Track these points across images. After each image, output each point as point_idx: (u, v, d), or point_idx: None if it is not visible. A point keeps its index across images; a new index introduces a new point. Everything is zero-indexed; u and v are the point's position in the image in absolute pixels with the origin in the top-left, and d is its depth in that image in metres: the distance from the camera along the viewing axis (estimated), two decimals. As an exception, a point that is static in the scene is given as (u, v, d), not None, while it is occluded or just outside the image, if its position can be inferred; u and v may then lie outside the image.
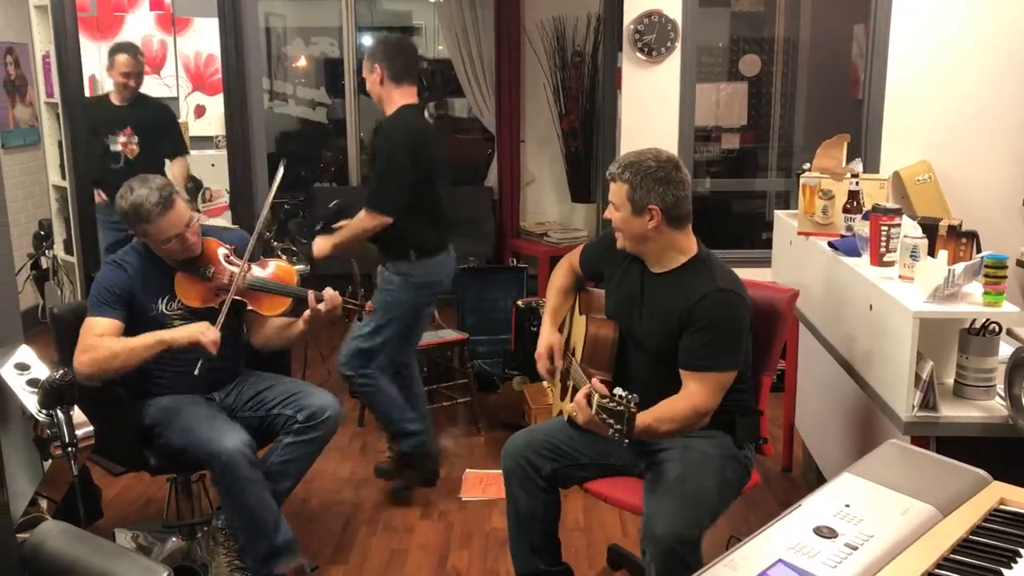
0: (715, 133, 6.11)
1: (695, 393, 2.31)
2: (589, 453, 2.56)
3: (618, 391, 2.12)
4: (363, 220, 3.31)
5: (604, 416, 2.12)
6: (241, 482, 2.62)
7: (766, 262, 3.90)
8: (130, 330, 2.76)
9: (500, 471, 3.67)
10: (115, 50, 4.34)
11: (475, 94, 6.56)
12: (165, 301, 2.81)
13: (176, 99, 5.43)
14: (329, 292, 2.75)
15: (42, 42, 3.72)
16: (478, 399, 4.30)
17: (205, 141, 4.93)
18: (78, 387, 2.66)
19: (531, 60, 6.40)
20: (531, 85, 6.48)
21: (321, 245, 3.37)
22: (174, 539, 3.12)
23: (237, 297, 2.76)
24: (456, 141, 7.42)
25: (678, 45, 4.68)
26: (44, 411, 2.21)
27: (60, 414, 2.18)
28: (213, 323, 2.71)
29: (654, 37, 4.66)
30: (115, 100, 4.39)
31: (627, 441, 2.10)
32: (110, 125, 4.38)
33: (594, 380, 2.23)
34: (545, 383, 4.01)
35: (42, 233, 4.01)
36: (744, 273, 2.51)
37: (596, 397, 2.15)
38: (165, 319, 2.81)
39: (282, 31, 8.15)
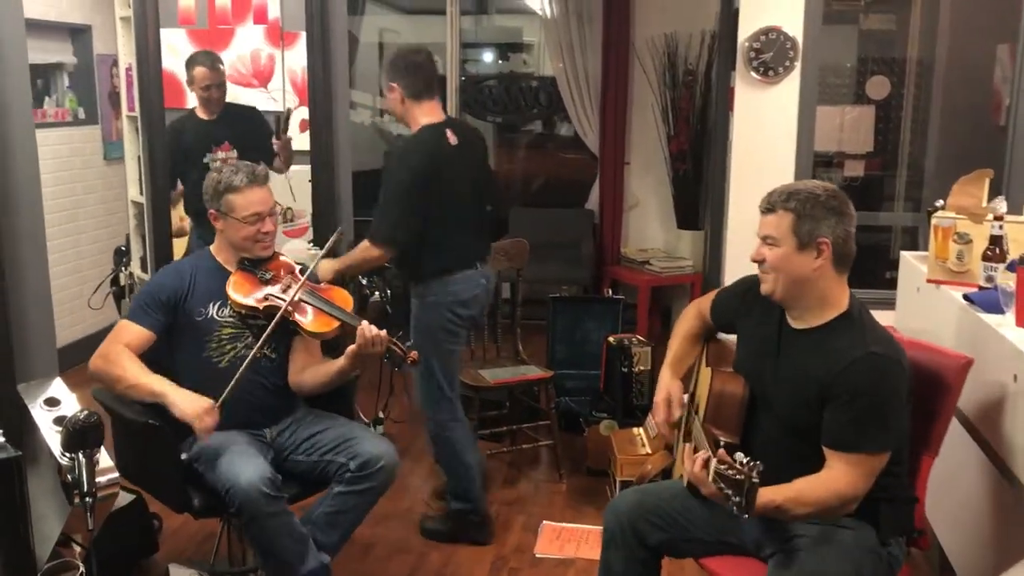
0: (837, 159, 5.66)
1: (840, 476, 1.98)
2: (707, 528, 2.25)
3: (739, 456, 1.84)
4: (365, 250, 3.13)
5: (722, 486, 1.84)
6: (260, 519, 2.43)
7: (890, 304, 3.48)
8: (173, 335, 2.66)
9: (580, 526, 3.44)
10: (190, 63, 4.16)
11: (579, 113, 6.28)
12: (217, 307, 2.69)
13: (282, 112, 5.37)
14: (379, 332, 2.54)
15: (126, 54, 3.64)
16: (562, 441, 3.99)
17: (305, 155, 4.81)
18: (124, 418, 2.55)
19: (639, 78, 6.09)
20: (638, 105, 6.17)
21: (324, 268, 3.13)
22: (227, 581, 2.95)
23: (288, 308, 2.60)
24: (558, 160, 7.16)
25: (798, 64, 4.31)
26: (66, 454, 2.03)
27: (82, 458, 1.99)
28: (259, 336, 2.59)
29: (771, 56, 4.30)
30: (203, 115, 4.22)
31: (746, 516, 1.83)
32: (204, 143, 4.21)
33: (717, 451, 1.93)
34: (637, 430, 3.73)
35: (123, 249, 3.93)
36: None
37: (714, 463, 1.87)
38: (214, 325, 2.67)
39: (395, 47, 8.06)
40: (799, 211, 2.03)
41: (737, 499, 1.82)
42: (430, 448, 3.40)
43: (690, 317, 2.50)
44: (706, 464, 1.91)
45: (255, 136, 4.27)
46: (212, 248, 2.78)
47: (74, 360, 5.08)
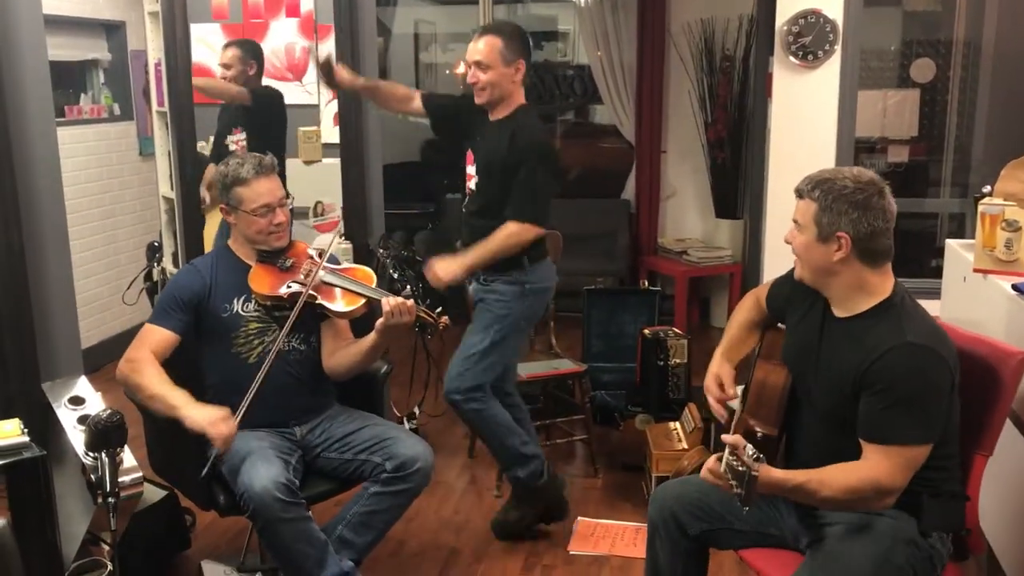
0: (880, 145, 5.52)
1: (876, 466, 1.93)
2: (747, 519, 2.20)
3: (749, 450, 1.81)
4: (513, 234, 2.95)
5: (728, 477, 1.82)
6: (273, 524, 2.39)
7: (935, 294, 3.37)
8: (199, 334, 2.65)
9: (615, 522, 3.38)
10: (225, 45, 4.23)
11: (615, 101, 6.19)
12: (241, 302, 2.66)
13: (316, 106, 5.35)
14: (405, 300, 2.50)
15: (155, 50, 3.63)
16: (597, 436, 3.93)
17: (335, 149, 4.79)
18: (153, 416, 2.53)
19: (675, 65, 5.98)
20: (675, 92, 6.05)
21: (449, 268, 2.97)
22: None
23: (311, 292, 2.57)
24: (593, 150, 7.06)
25: (838, 48, 4.18)
26: (90, 453, 2.01)
27: (105, 458, 1.97)
28: (282, 325, 2.57)
29: (811, 39, 4.18)
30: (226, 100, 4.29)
31: (746, 509, 1.83)
32: (226, 126, 4.27)
33: (726, 436, 1.89)
34: (674, 425, 3.65)
35: (156, 244, 3.93)
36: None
37: (726, 453, 1.84)
38: (240, 321, 2.65)
39: (431, 37, 8.02)
40: (822, 202, 1.98)
41: (739, 491, 1.81)
42: (468, 432, 3.34)
43: (747, 306, 2.44)
44: (720, 458, 1.89)
45: (262, 122, 4.25)
46: (230, 242, 2.75)
47: (114, 355, 5.11)
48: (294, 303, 2.57)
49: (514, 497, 3.31)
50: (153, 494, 3.03)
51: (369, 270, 2.72)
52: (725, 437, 1.88)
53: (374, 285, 2.63)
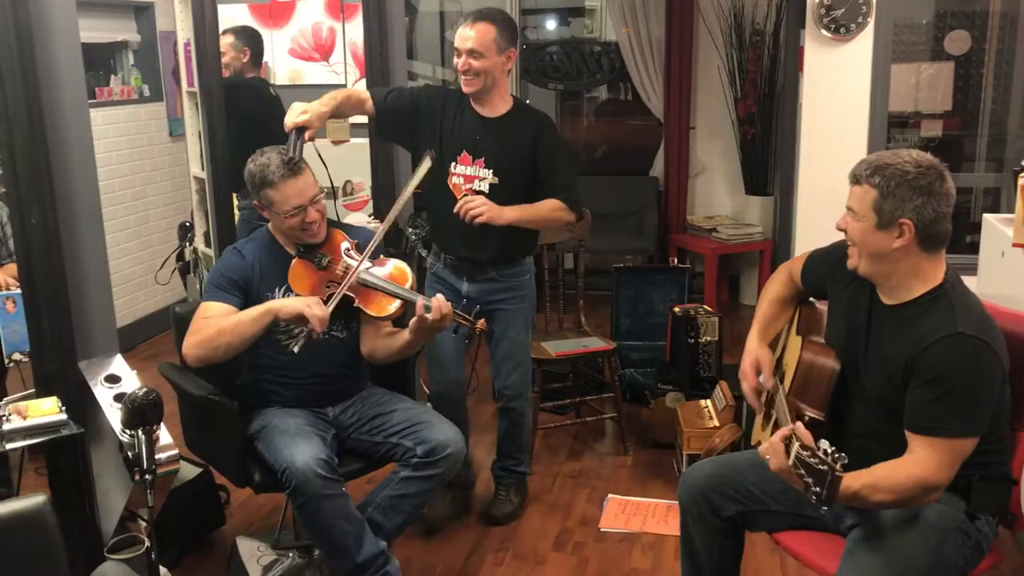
0: (913, 119, 5.43)
1: (921, 461, 1.88)
2: (784, 501, 2.17)
3: (824, 444, 1.75)
4: (560, 209, 2.98)
5: (802, 472, 1.74)
6: (314, 500, 2.40)
7: (971, 270, 3.32)
8: None
9: (646, 499, 3.38)
10: (222, 32, 4.07)
11: (643, 78, 6.13)
12: (283, 291, 2.65)
13: (344, 86, 5.36)
14: (439, 300, 2.48)
15: (184, 30, 3.63)
16: (627, 414, 3.92)
17: (363, 128, 4.79)
18: (188, 393, 2.56)
19: (704, 40, 5.91)
20: (704, 67, 5.99)
21: (508, 213, 2.88)
22: (293, 554, 2.96)
23: (348, 292, 2.55)
24: (622, 127, 7.01)
25: (871, 21, 4.12)
26: (126, 431, 2.03)
27: (141, 435, 1.99)
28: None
29: (843, 12, 4.11)
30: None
31: (825, 508, 1.74)
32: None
33: (798, 425, 1.84)
34: (704, 403, 3.63)
35: (187, 224, 3.94)
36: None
37: (796, 445, 1.77)
38: None
39: (457, 15, 7.97)
40: (883, 188, 1.91)
41: (817, 489, 1.72)
42: (507, 425, 3.32)
43: (780, 280, 2.37)
44: (787, 442, 1.82)
45: (242, 115, 3.99)
46: (270, 227, 2.74)
47: (147, 334, 5.19)
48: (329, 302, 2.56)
49: (512, 488, 3.35)
50: (188, 471, 3.07)
51: (404, 266, 2.67)
52: (795, 427, 1.82)
53: (408, 283, 2.60)
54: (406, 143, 3.17)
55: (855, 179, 1.98)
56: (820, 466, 1.71)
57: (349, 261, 2.64)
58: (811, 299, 2.34)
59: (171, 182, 5.49)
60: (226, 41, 4.23)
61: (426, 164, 2.78)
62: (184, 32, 3.62)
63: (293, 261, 2.65)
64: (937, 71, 5.41)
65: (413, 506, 2.60)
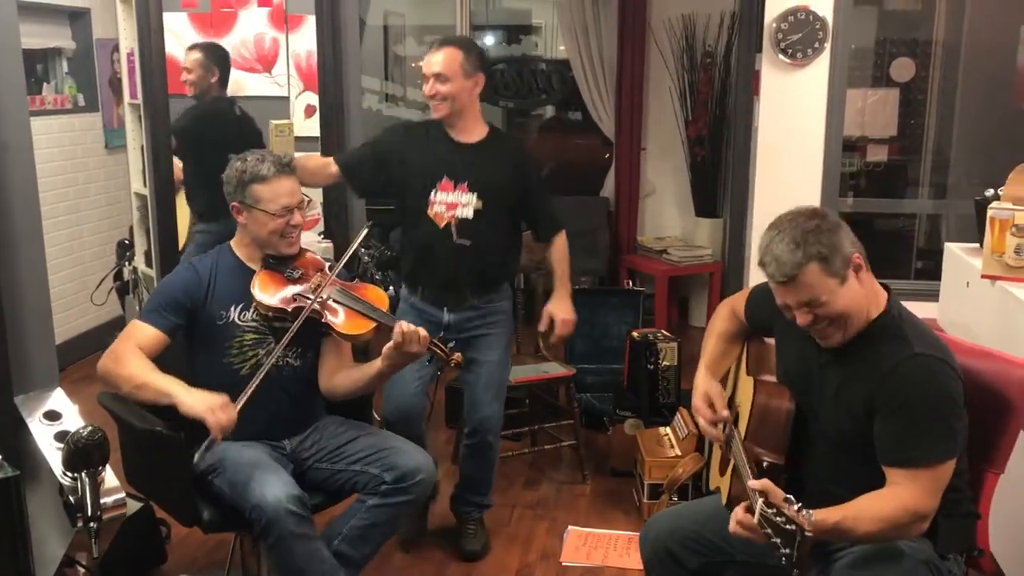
0: (860, 143, 5.49)
1: (905, 491, 1.82)
2: (749, 550, 2.07)
3: (790, 502, 1.66)
4: (566, 244, 3.16)
5: (769, 531, 1.66)
6: (287, 540, 2.25)
7: (918, 296, 3.31)
8: (190, 340, 2.51)
9: (607, 531, 3.29)
10: (190, 47, 4.09)
11: (594, 97, 6.09)
12: (239, 310, 2.50)
13: (287, 98, 5.20)
14: (418, 329, 2.36)
15: (127, 39, 3.46)
16: (585, 440, 3.83)
17: (311, 142, 4.65)
18: (131, 426, 2.39)
19: (656, 61, 5.89)
20: (655, 88, 5.97)
21: (568, 309, 3.11)
22: (240, 593, 2.80)
23: (315, 309, 2.42)
24: (572, 146, 6.96)
25: (827, 46, 4.12)
26: (68, 473, 1.87)
27: (85, 478, 1.83)
28: (279, 338, 2.43)
29: (800, 37, 4.11)
30: None
31: (796, 572, 1.63)
32: None
33: (765, 482, 1.74)
34: (664, 430, 3.56)
35: (126, 242, 3.75)
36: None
37: (760, 504, 1.68)
38: (236, 330, 2.50)
39: (401, 30, 7.86)
40: (819, 254, 1.83)
41: (787, 551, 1.63)
42: (451, 437, 3.26)
43: (723, 316, 2.32)
44: (749, 508, 1.74)
45: (192, 138, 3.99)
46: (232, 243, 2.60)
47: (76, 355, 4.94)
48: (298, 316, 2.43)
49: (479, 522, 3.23)
50: (129, 506, 2.87)
51: (382, 292, 2.57)
52: (752, 483, 1.74)
53: (386, 308, 2.49)
54: (381, 191, 3.08)
55: (785, 278, 1.85)
56: (787, 526, 1.63)
57: (322, 278, 2.51)
58: (759, 334, 2.28)
59: (106, 196, 5.25)
60: (192, 58, 4.07)
61: (363, 233, 2.67)
62: (128, 41, 3.45)
63: (259, 271, 2.51)
64: (883, 97, 5.49)
65: (383, 535, 2.49)
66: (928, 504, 1.82)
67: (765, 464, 1.96)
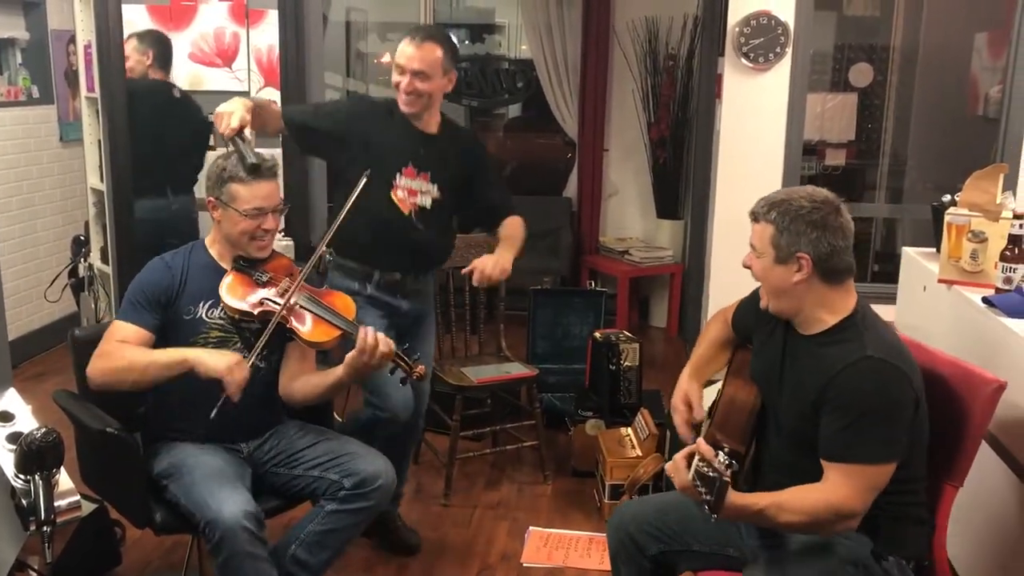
0: (819, 147, 5.56)
1: (834, 487, 1.86)
2: (707, 541, 2.16)
3: (721, 456, 1.76)
4: (523, 226, 3.07)
5: (698, 483, 1.75)
6: (238, 558, 2.21)
7: (875, 299, 3.34)
8: (161, 335, 2.44)
9: (568, 532, 3.30)
10: (127, 36, 3.96)
11: (557, 98, 6.09)
12: (207, 307, 2.47)
13: (247, 93, 5.13)
14: (383, 338, 2.33)
15: (85, 31, 3.38)
16: (547, 440, 3.83)
17: (271, 139, 4.59)
18: (85, 426, 2.34)
19: (619, 63, 5.91)
20: (618, 90, 5.99)
21: (503, 263, 2.87)
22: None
23: (285, 313, 2.39)
24: (535, 146, 6.97)
25: (788, 51, 4.18)
26: (20, 475, 1.83)
27: (38, 481, 1.79)
28: (248, 343, 2.40)
29: (762, 41, 4.16)
30: None
31: (714, 517, 1.74)
32: None
33: (700, 441, 1.83)
34: (626, 431, 3.57)
35: (82, 238, 3.68)
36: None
37: (695, 459, 1.78)
38: (202, 326, 2.46)
39: (363, 26, 7.80)
40: (779, 224, 1.95)
41: (708, 497, 1.73)
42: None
43: (717, 323, 2.40)
44: (689, 459, 1.82)
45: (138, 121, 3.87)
46: (207, 240, 2.56)
47: (29, 352, 4.85)
48: (264, 320, 2.39)
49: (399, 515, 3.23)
50: (83, 507, 2.82)
51: (350, 300, 2.53)
52: (696, 443, 1.82)
53: (353, 317, 2.46)
54: (333, 159, 3.04)
55: (754, 216, 2.02)
56: (711, 474, 1.74)
57: (291, 283, 2.47)
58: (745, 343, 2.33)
59: (61, 190, 5.14)
60: (129, 46, 4.00)
61: (362, 183, 2.61)
62: (84, 33, 3.39)
63: (228, 273, 2.47)
64: (842, 101, 5.55)
65: (340, 541, 2.45)
66: (854, 504, 1.85)
67: (726, 449, 2.00)
